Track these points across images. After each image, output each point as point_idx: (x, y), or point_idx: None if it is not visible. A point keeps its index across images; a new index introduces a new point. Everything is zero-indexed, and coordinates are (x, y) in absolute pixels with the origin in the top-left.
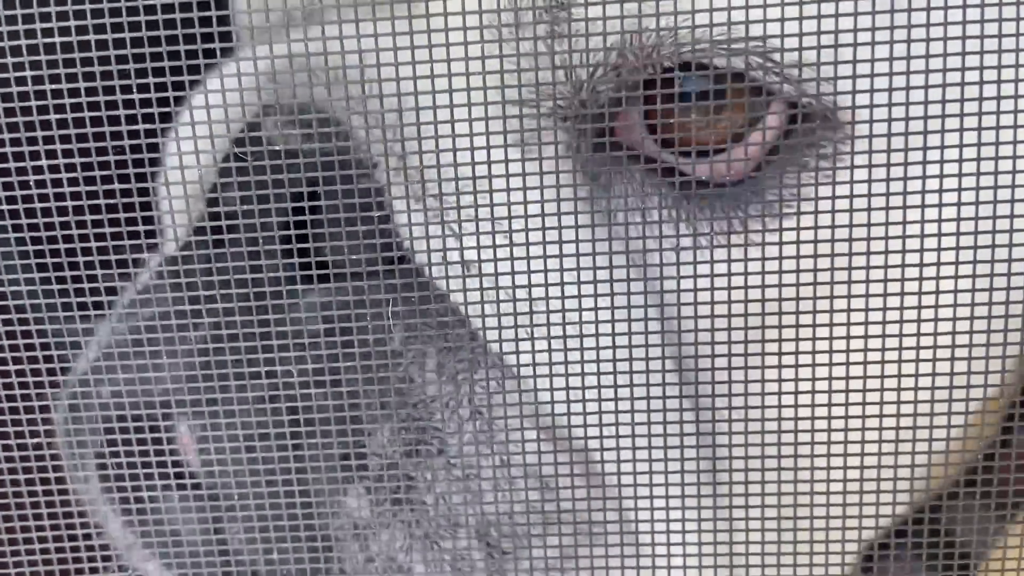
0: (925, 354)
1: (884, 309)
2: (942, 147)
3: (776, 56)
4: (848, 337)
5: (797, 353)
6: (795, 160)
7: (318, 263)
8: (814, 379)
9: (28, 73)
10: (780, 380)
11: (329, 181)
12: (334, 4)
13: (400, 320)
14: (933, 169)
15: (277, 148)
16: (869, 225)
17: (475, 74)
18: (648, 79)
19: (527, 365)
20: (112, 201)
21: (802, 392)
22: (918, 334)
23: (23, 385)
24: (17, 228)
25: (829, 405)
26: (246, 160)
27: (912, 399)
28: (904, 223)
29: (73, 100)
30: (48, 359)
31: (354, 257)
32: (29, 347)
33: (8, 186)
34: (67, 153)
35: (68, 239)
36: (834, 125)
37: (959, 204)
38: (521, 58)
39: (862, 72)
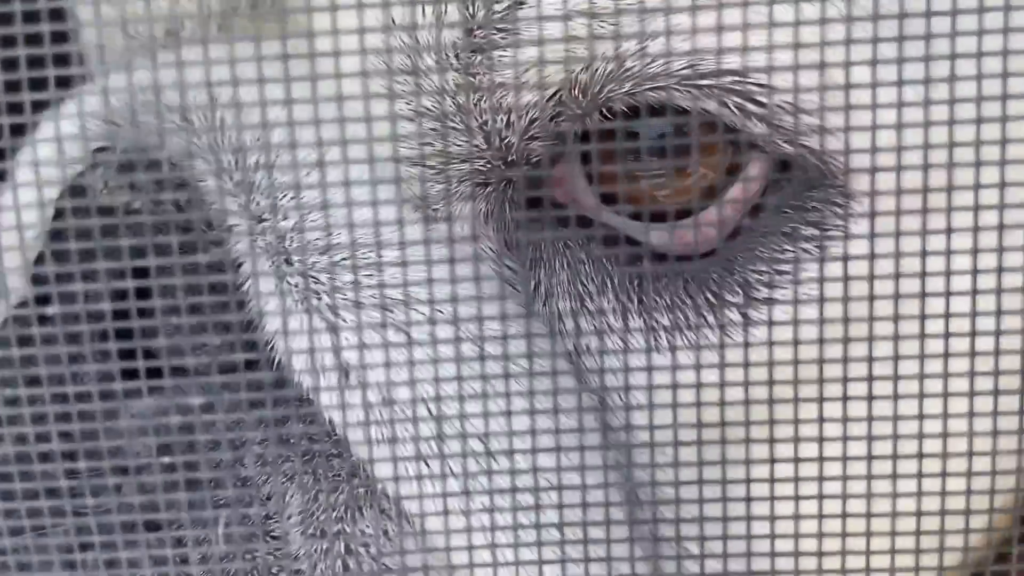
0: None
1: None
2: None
3: (759, 96)
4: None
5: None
6: (781, 226)
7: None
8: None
9: None
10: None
11: (166, 249)
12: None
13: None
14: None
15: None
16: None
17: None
18: (593, 126)
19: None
20: None
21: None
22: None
23: None
24: None
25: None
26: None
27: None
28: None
29: None
30: None
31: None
32: None
33: None
34: None
35: None
36: (830, 181)
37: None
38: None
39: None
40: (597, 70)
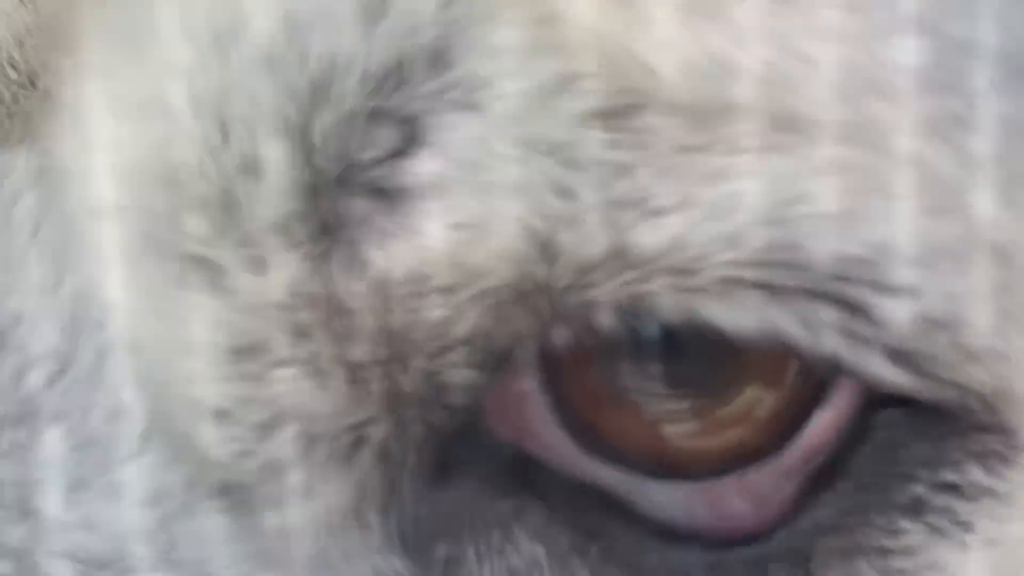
0: None
1: None
2: None
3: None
4: None
5: None
6: (892, 490)
7: None
8: None
9: None
10: None
11: None
12: None
13: None
14: None
15: None
16: None
17: None
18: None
19: None
20: None
21: None
22: None
23: None
24: None
25: None
26: None
27: None
28: None
29: None
30: None
31: None
32: None
33: None
34: None
35: None
36: (984, 417)
37: None
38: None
39: None
40: (563, 257)
